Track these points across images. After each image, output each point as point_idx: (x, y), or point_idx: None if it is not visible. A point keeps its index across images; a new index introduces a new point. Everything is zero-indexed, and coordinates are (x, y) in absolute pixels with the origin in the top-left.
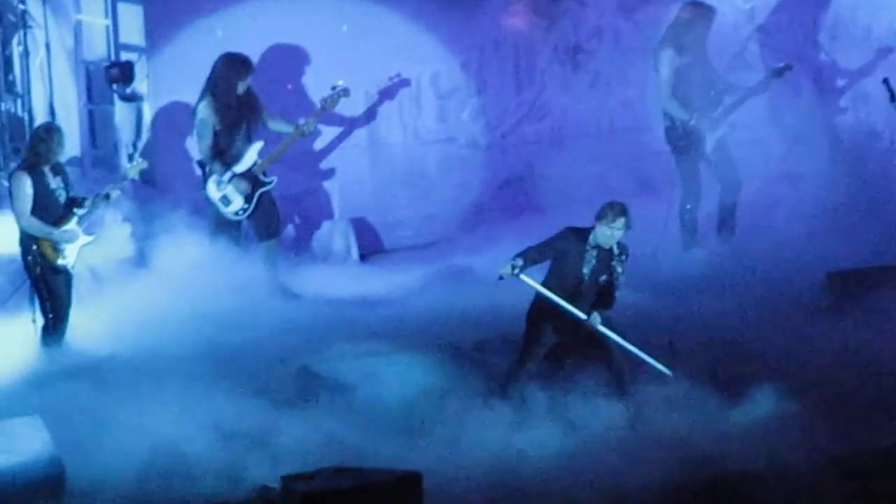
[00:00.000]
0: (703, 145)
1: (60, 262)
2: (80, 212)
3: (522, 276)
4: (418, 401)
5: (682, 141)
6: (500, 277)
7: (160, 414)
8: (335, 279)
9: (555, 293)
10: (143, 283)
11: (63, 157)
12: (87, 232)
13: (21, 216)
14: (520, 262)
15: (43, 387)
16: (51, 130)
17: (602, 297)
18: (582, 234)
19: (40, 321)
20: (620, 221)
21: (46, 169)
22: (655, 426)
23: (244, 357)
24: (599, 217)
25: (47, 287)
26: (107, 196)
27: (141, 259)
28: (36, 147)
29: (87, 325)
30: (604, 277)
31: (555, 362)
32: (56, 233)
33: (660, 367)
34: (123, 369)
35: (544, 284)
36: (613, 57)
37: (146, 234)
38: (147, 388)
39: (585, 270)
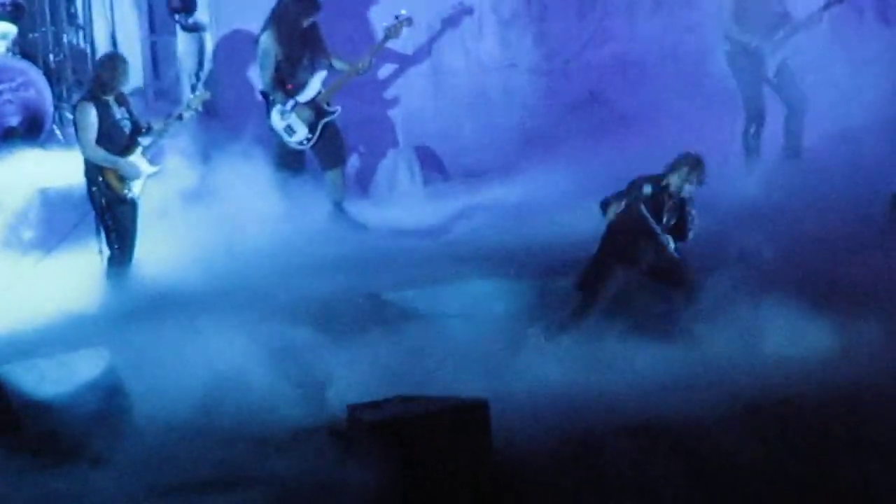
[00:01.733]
0: (765, 68)
1: (126, 192)
2: (145, 141)
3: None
4: (484, 329)
5: (744, 64)
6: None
7: (224, 346)
8: (400, 207)
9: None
10: (206, 214)
11: (126, 88)
12: (153, 162)
13: (86, 146)
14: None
15: (109, 319)
16: (115, 59)
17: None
18: (655, 180)
19: (106, 253)
20: (695, 175)
21: (111, 99)
22: (713, 359)
23: (309, 287)
24: (674, 168)
25: (113, 218)
26: (179, 117)
27: (204, 190)
28: (100, 76)
29: (151, 257)
30: (673, 221)
31: (624, 300)
32: (122, 162)
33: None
34: (188, 301)
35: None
36: None
37: (209, 166)
38: (211, 320)
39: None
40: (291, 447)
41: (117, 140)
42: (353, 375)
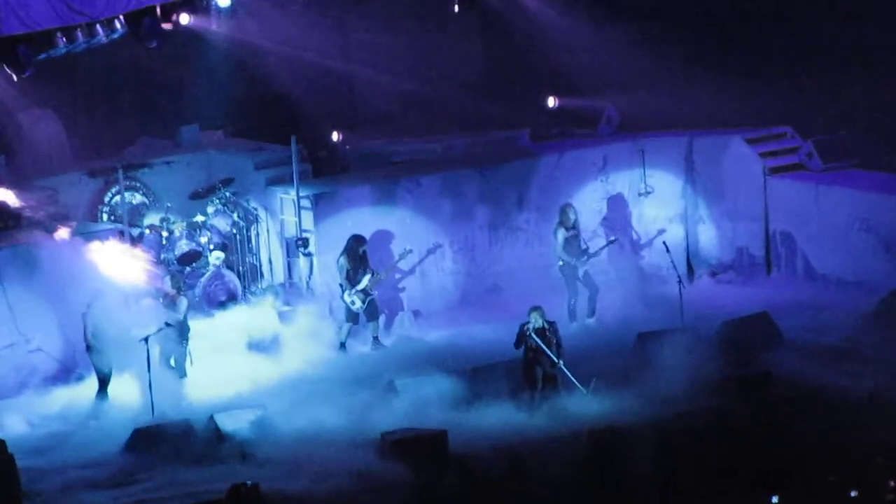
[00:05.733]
0: (577, 273)
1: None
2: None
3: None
4: (448, 397)
5: (568, 271)
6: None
7: (328, 412)
8: (405, 340)
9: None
10: (313, 340)
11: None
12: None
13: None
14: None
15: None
16: (176, 277)
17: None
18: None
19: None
20: (536, 314)
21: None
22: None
23: (362, 378)
24: (530, 313)
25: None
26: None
27: (311, 332)
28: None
29: (283, 365)
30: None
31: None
32: (176, 318)
33: (575, 383)
34: (298, 386)
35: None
36: (536, 230)
37: (316, 318)
38: (312, 393)
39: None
40: (353, 451)
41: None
42: (383, 426)
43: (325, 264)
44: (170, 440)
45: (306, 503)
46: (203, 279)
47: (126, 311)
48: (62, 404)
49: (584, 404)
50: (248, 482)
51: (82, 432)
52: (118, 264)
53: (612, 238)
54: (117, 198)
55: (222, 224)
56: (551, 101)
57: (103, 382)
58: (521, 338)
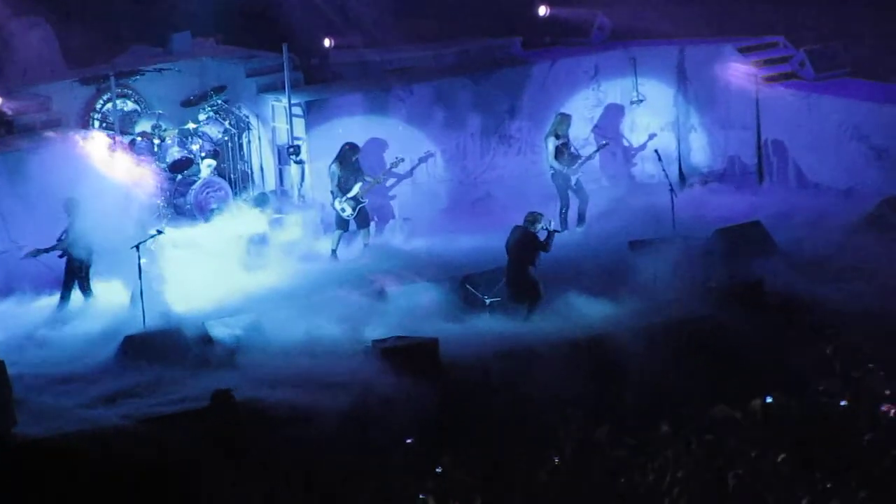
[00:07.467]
0: (569, 181)
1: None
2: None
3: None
4: (434, 303)
5: (559, 179)
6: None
7: (311, 314)
8: (395, 245)
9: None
10: (306, 245)
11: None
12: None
13: None
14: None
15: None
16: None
17: None
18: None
19: None
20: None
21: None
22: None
23: (351, 279)
24: (541, 217)
25: None
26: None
27: (302, 239)
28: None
29: (274, 273)
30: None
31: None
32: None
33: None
34: (289, 294)
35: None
36: (528, 139)
37: (307, 225)
38: (303, 301)
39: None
40: (344, 359)
41: None
42: (375, 321)
43: (317, 171)
44: (160, 348)
45: (294, 410)
46: (194, 187)
47: (117, 215)
48: (54, 312)
49: (577, 311)
50: (229, 389)
51: (73, 339)
52: (111, 168)
53: (604, 142)
54: (109, 105)
55: (214, 131)
56: (542, 10)
57: (75, 277)
58: (544, 240)
